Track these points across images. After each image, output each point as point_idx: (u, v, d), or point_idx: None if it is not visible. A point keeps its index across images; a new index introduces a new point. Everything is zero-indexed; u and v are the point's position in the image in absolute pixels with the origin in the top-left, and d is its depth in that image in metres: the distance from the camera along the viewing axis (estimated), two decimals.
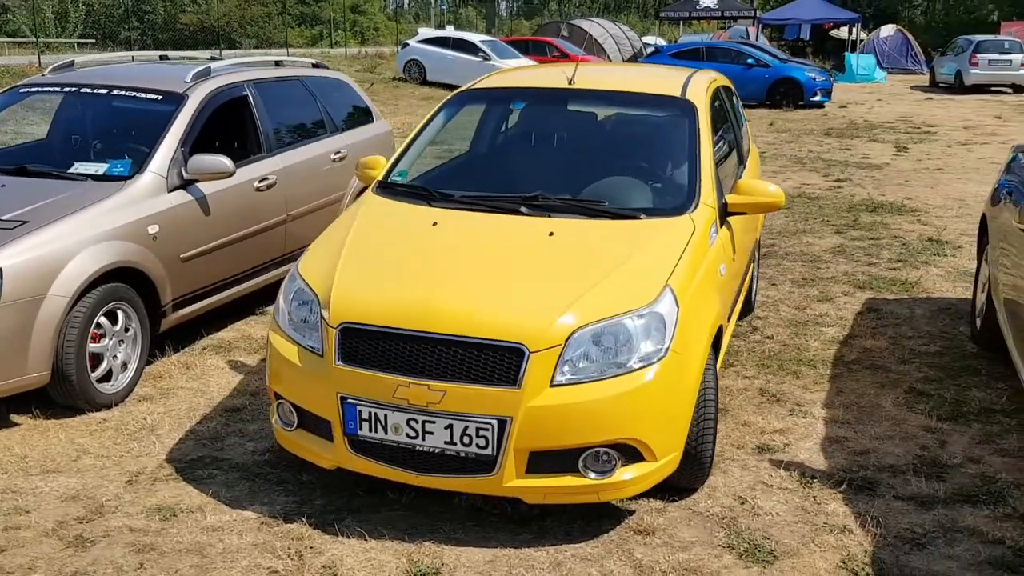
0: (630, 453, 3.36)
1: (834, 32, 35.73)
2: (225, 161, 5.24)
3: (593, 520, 3.62)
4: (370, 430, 3.41)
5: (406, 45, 25.69)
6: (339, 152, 6.78)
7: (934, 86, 28.02)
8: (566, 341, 3.31)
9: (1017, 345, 4.36)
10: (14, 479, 3.93)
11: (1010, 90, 26.01)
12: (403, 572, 3.28)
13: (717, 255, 4.07)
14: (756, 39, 29.59)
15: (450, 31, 31.21)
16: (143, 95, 5.53)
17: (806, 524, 3.63)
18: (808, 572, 3.31)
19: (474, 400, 3.28)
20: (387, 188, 4.48)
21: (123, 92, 5.57)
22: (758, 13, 31.19)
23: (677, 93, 4.69)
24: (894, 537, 3.53)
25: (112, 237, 4.67)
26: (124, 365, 4.79)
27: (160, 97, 5.50)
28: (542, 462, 3.34)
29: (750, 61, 21.81)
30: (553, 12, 61.95)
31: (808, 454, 4.25)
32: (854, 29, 31.18)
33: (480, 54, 24.01)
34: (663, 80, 5.01)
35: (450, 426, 3.31)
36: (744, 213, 4.32)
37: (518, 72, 5.58)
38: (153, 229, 4.92)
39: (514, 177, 4.47)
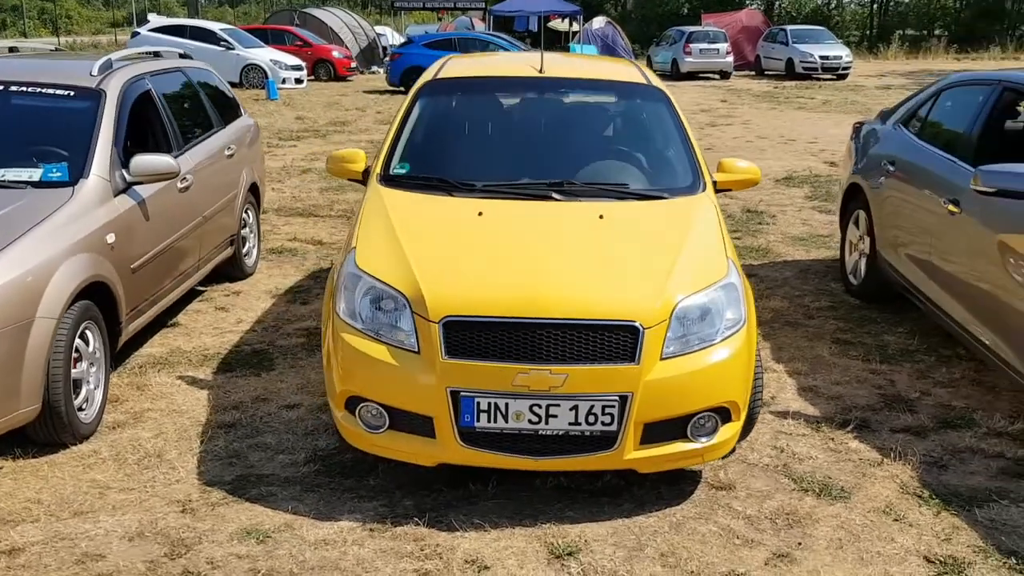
0: (724, 415, 3.62)
1: (552, 24, 37.65)
2: (170, 160, 4.86)
3: (673, 484, 3.85)
4: (489, 420, 3.41)
5: (136, 34, 23.90)
6: (231, 149, 6.41)
7: None
8: (671, 315, 3.51)
9: (940, 291, 5.09)
10: (50, 525, 3.48)
11: (717, 76, 28.87)
12: (548, 554, 3.33)
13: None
14: (488, 30, 30.57)
15: (157, 19, 29.41)
16: (50, 91, 4.94)
17: (847, 462, 4.09)
18: (882, 501, 3.75)
19: (597, 379, 3.39)
20: (392, 181, 4.40)
21: (23, 88, 4.94)
22: (488, 5, 32.24)
23: (643, 80, 4.99)
24: (921, 463, 4.07)
25: (80, 250, 4.19)
26: (94, 390, 4.32)
27: (72, 93, 4.94)
28: (655, 432, 3.51)
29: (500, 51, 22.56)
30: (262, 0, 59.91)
31: (797, 404, 4.73)
32: (575, 21, 33.09)
33: (222, 43, 22.90)
34: (621, 69, 5.29)
35: (575, 407, 3.39)
36: (729, 190, 4.70)
37: (479, 61, 5.61)
38: (111, 238, 4.47)
39: (520, 164, 4.54)
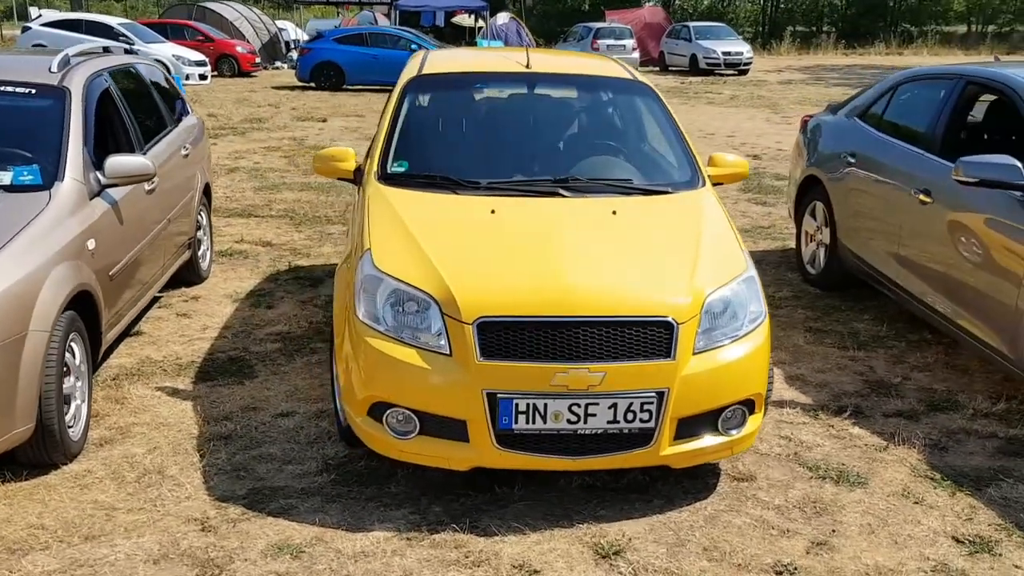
0: (750, 407, 3.66)
1: (457, 19, 37.51)
2: (146, 161, 4.63)
3: (696, 478, 3.86)
4: (528, 421, 3.35)
5: (27, 29, 22.77)
6: (186, 149, 6.15)
7: None
8: (701, 310, 3.51)
9: (912, 277, 5.26)
10: (63, 552, 3.26)
11: None
12: (594, 555, 3.30)
13: None
14: (394, 24, 30.22)
15: (49, 13, 28.10)
16: (8, 89, 4.63)
17: (854, 448, 4.18)
18: (899, 485, 3.85)
19: (636, 376, 3.37)
20: (391, 179, 4.28)
21: None
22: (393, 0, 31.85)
23: (630, 76, 4.99)
24: (923, 446, 4.20)
25: (64, 257, 3.95)
26: (80, 405, 4.08)
27: (32, 91, 4.65)
28: (688, 427, 3.52)
29: (413, 47, 22.32)
30: None
31: (789, 393, 4.82)
32: (480, 17, 33.03)
33: (121, 38, 21.95)
34: (603, 64, 5.27)
35: (614, 405, 3.36)
36: (721, 183, 4.75)
37: (462, 56, 5.51)
38: (91, 245, 4.22)
39: (520, 160, 4.48)
